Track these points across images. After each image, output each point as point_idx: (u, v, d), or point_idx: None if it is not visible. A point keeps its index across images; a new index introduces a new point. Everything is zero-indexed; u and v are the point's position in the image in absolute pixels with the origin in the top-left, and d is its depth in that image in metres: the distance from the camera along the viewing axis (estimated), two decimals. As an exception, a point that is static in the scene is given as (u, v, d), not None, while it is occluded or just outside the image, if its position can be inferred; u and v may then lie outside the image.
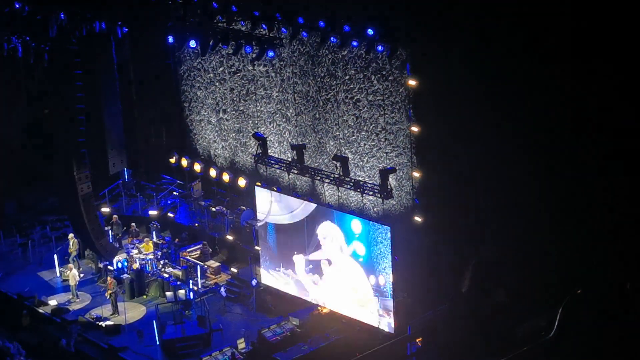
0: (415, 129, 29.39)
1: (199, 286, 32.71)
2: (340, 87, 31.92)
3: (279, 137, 34.70)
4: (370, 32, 28.73)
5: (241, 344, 28.78)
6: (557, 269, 28.57)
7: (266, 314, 31.07)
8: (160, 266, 33.43)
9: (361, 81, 31.19)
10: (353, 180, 30.59)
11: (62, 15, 31.60)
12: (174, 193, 37.98)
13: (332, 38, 29.98)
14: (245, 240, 34.07)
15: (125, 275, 32.71)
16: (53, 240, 35.75)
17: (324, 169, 32.37)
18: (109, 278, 32.04)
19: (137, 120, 39.51)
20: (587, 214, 28.36)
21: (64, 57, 32.16)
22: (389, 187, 29.54)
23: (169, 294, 31.62)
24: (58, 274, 33.99)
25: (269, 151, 33.93)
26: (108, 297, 31.57)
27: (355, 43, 29.67)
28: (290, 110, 34.02)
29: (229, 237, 34.53)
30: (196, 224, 35.67)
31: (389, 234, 28.01)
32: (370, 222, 28.63)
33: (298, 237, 30.46)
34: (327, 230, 29.76)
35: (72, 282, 32.50)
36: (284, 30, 31.15)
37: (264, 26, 30.83)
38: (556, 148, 28.54)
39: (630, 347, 26.19)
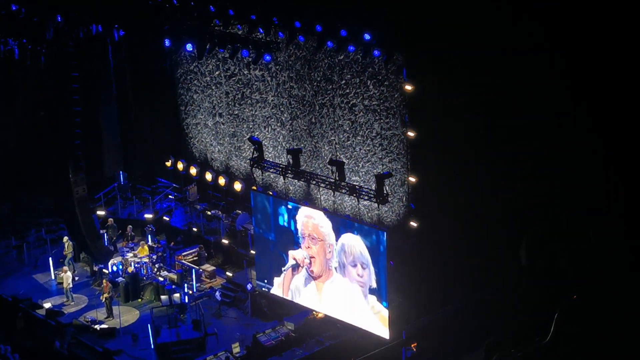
0: (411, 133, 29.39)
1: (194, 290, 32.69)
2: (336, 92, 31.93)
3: (273, 142, 34.71)
4: (366, 36, 28.74)
5: (236, 348, 28.74)
6: (554, 273, 28.67)
7: (261, 318, 31.04)
8: (156, 270, 33.40)
9: (357, 86, 31.20)
10: (349, 185, 30.57)
11: (59, 18, 31.56)
12: (170, 196, 37.96)
13: (328, 42, 29.99)
14: (240, 244, 34.07)
15: (120, 279, 32.68)
16: (48, 243, 35.74)
17: (319, 173, 32.37)
18: (104, 281, 31.98)
19: (133, 123, 39.51)
20: (583, 218, 28.44)
21: (60, 59, 32.12)
22: (384, 192, 29.53)
23: (164, 297, 31.57)
24: (53, 277, 33.96)
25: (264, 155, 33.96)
26: (103, 300, 31.52)
27: (351, 48, 29.68)
28: (286, 115, 34.02)
29: (225, 241, 34.52)
30: (194, 229, 35.65)
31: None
32: (366, 227, 28.60)
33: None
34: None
35: (65, 285, 32.44)
36: (281, 34, 31.16)
37: (260, 30, 30.82)
38: (552, 153, 28.62)
39: (626, 352, 26.25)
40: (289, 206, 30.00)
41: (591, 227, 28.80)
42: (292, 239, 30.03)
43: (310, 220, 29.33)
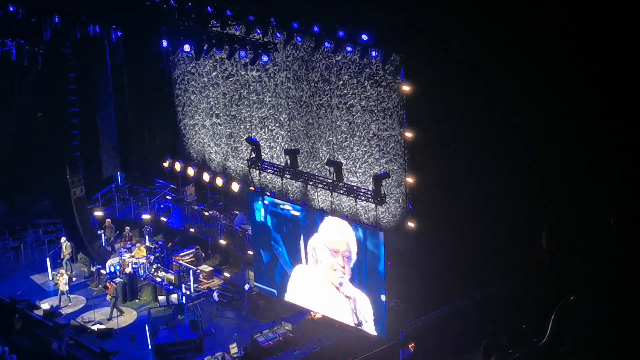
0: (408, 134, 29.40)
1: (192, 290, 32.68)
2: (334, 93, 31.95)
3: (270, 143, 34.71)
4: (364, 37, 28.76)
5: (233, 349, 28.74)
6: (550, 274, 28.65)
7: (259, 318, 31.04)
8: (153, 270, 33.39)
9: (354, 87, 31.22)
10: (346, 186, 30.57)
11: (57, 19, 31.57)
12: (167, 197, 37.95)
13: (326, 43, 30.00)
14: (238, 244, 34.06)
15: (117, 279, 32.65)
16: (46, 244, 35.72)
17: (317, 174, 32.38)
18: (107, 283, 31.91)
19: (131, 123, 39.50)
20: (579, 219, 28.42)
21: (57, 60, 32.11)
22: (382, 192, 29.53)
23: (161, 298, 31.57)
24: (50, 278, 33.94)
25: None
26: (109, 299, 31.53)
27: (349, 48, 29.69)
28: (283, 115, 34.04)
29: (222, 242, 34.52)
30: (191, 229, 35.64)
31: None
32: (364, 227, 28.58)
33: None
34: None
35: (62, 288, 32.40)
36: (279, 35, 31.16)
37: (258, 31, 30.84)
38: (550, 153, 28.60)
39: (625, 353, 26.25)
40: (266, 201, 29.97)
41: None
42: (269, 235, 29.99)
43: (344, 237, 28.43)
